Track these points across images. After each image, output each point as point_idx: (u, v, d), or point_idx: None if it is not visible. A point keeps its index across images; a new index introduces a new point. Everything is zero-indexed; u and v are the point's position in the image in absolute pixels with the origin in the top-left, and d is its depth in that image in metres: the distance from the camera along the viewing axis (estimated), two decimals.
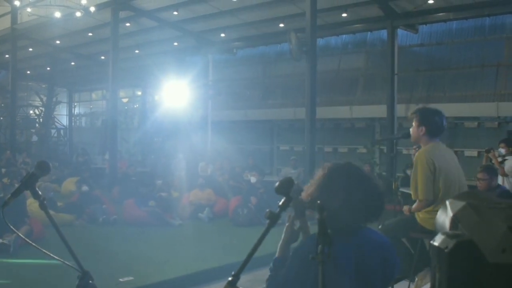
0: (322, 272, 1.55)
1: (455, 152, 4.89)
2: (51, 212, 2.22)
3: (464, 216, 1.49)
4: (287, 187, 1.75)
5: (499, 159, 8.71)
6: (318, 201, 1.69)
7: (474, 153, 12.73)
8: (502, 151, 8.78)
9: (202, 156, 15.85)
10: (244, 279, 1.75)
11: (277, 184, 1.80)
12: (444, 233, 1.48)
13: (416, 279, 4.50)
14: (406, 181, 9.47)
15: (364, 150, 14.36)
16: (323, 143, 15.48)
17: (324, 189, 2.22)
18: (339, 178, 2.25)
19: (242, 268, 1.70)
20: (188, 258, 7.44)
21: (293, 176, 12.89)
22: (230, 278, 1.67)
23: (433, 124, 4.32)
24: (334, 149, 15.91)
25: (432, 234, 2.02)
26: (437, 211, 1.80)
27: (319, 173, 2.32)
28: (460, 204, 1.56)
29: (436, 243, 1.44)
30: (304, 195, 2.25)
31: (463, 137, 13.24)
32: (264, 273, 2.30)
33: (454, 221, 1.51)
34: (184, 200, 11.59)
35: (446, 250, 1.38)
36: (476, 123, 13.12)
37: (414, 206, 4.37)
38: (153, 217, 10.25)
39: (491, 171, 6.74)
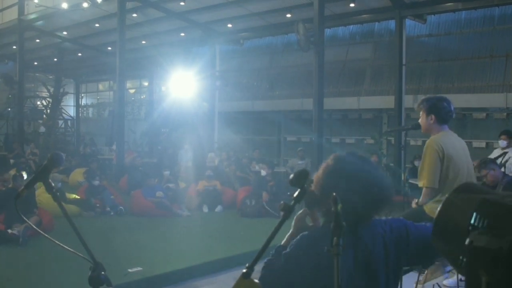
0: (337, 264, 1.54)
1: None
2: None
3: (492, 214, 1.43)
4: (302, 179, 1.74)
5: (500, 152, 8.64)
6: (334, 193, 1.68)
7: (483, 144, 12.67)
8: (505, 143, 8.70)
9: (209, 147, 15.86)
10: None
11: (291, 176, 1.78)
12: (480, 232, 1.41)
13: (426, 271, 4.48)
14: (414, 172, 9.46)
15: (372, 141, 14.32)
16: (331, 134, 15.47)
17: (327, 183, 2.20)
18: (343, 171, 2.21)
19: (256, 260, 1.69)
20: (196, 249, 7.48)
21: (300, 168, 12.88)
22: (244, 270, 1.66)
23: (441, 111, 4.30)
24: (342, 140, 15.89)
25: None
26: None
27: (322, 166, 2.30)
28: (474, 198, 1.51)
29: (480, 244, 1.37)
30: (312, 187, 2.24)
31: (471, 128, 13.17)
32: None
33: (476, 218, 1.45)
34: (191, 191, 11.61)
35: (502, 251, 1.30)
36: (484, 114, 13.05)
37: (421, 198, 4.35)
38: (160, 208, 10.29)
39: (486, 163, 6.69)
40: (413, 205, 4.50)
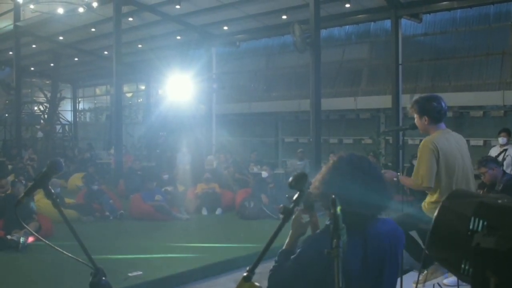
0: (337, 266, 1.55)
1: None
2: None
3: (491, 216, 1.43)
4: (301, 182, 1.75)
5: (499, 149, 8.74)
6: (333, 196, 1.68)
7: (480, 142, 12.68)
8: (505, 140, 8.81)
9: (208, 150, 15.85)
10: None
11: (291, 179, 1.79)
12: (486, 234, 1.41)
13: (426, 271, 4.47)
14: (412, 172, 9.46)
15: (370, 141, 14.34)
16: (328, 135, 15.47)
17: (329, 183, 2.21)
18: (345, 171, 2.24)
19: (257, 263, 1.70)
20: (196, 252, 7.46)
21: (299, 168, 12.84)
22: (245, 274, 1.67)
23: (432, 111, 4.30)
24: (339, 140, 15.89)
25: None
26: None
27: (324, 166, 2.32)
28: (470, 203, 1.51)
29: (488, 245, 1.36)
30: (311, 187, 2.25)
31: (468, 126, 13.17)
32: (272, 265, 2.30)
33: (475, 221, 1.45)
34: (190, 194, 11.59)
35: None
36: (481, 112, 13.06)
37: (408, 181, 4.41)
38: (160, 211, 10.27)
39: (487, 162, 6.71)
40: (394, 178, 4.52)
